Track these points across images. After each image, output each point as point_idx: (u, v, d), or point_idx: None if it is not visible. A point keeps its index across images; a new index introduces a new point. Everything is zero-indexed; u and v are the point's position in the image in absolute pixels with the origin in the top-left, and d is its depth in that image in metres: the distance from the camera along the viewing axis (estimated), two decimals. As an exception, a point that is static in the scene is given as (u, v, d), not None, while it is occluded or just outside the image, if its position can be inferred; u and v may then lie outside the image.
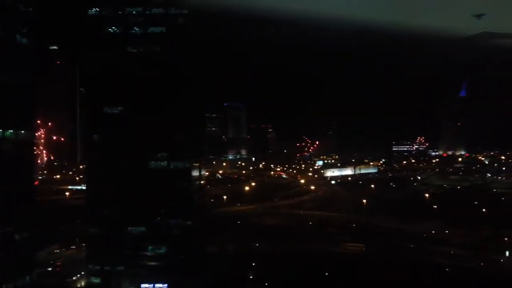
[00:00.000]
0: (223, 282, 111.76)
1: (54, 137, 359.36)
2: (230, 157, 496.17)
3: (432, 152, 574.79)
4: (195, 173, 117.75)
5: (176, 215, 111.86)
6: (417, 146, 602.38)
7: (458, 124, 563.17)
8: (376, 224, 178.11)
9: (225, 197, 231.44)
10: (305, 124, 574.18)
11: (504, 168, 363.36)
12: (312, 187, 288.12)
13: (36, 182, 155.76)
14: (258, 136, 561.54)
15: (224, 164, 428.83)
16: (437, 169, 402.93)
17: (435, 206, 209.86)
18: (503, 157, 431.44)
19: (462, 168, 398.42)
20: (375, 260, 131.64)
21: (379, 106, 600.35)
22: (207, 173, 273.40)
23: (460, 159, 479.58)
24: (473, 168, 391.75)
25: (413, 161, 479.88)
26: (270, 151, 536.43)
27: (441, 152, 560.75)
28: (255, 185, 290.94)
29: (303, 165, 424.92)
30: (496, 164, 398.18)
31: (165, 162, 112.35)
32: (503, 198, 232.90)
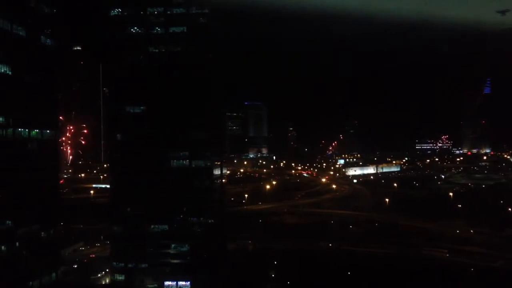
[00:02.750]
0: (245, 280, 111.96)
1: (79, 137, 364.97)
2: (251, 156, 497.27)
3: (456, 150, 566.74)
4: (216, 171, 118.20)
5: (198, 213, 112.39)
6: (441, 145, 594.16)
7: (483, 122, 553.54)
8: (399, 223, 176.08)
9: (246, 195, 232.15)
10: (326, 122, 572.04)
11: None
12: (334, 186, 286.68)
13: (61, 181, 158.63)
14: (278, 135, 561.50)
15: (245, 162, 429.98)
16: (461, 168, 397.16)
17: (459, 205, 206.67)
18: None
19: (487, 167, 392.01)
20: (399, 260, 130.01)
21: (402, 104, 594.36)
22: (228, 172, 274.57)
23: (485, 158, 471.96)
24: (498, 166, 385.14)
25: (436, 159, 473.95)
26: (292, 149, 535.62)
27: (465, 151, 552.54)
28: (276, 183, 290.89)
29: (324, 164, 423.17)
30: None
31: (187, 160, 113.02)
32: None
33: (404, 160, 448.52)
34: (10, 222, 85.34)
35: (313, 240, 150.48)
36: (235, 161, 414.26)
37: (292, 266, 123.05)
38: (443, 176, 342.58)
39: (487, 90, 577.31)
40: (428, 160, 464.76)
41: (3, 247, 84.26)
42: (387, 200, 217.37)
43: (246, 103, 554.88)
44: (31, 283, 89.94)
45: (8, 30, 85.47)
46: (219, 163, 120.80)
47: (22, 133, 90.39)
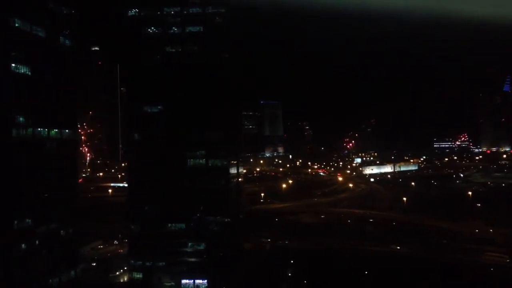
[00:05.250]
0: (262, 279, 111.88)
1: (97, 136, 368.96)
2: (267, 155, 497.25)
3: (475, 149, 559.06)
4: (233, 170, 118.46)
5: (215, 212, 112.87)
6: (459, 143, 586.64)
7: (502, 119, 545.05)
8: (417, 222, 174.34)
9: (262, 194, 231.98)
10: (343, 121, 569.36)
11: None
12: (350, 185, 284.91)
13: (80, 180, 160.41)
14: (294, 134, 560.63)
15: (261, 161, 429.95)
16: (480, 166, 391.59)
17: (478, 204, 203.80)
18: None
19: (507, 165, 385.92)
20: (418, 261, 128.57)
21: (420, 102, 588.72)
22: (244, 171, 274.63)
23: (504, 156, 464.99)
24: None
25: (455, 158, 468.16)
26: (308, 148, 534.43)
27: (484, 149, 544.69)
28: (292, 182, 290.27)
29: (340, 163, 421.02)
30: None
31: (203, 160, 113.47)
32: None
33: (422, 159, 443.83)
34: (29, 220, 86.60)
35: (330, 239, 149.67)
36: (251, 160, 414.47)
37: (309, 265, 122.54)
38: (462, 175, 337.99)
39: (506, 88, 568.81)
40: (446, 159, 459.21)
41: (23, 245, 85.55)
42: (404, 199, 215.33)
43: (262, 102, 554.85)
44: (50, 280, 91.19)
45: (27, 31, 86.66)
46: (235, 162, 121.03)
47: (41, 133, 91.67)
